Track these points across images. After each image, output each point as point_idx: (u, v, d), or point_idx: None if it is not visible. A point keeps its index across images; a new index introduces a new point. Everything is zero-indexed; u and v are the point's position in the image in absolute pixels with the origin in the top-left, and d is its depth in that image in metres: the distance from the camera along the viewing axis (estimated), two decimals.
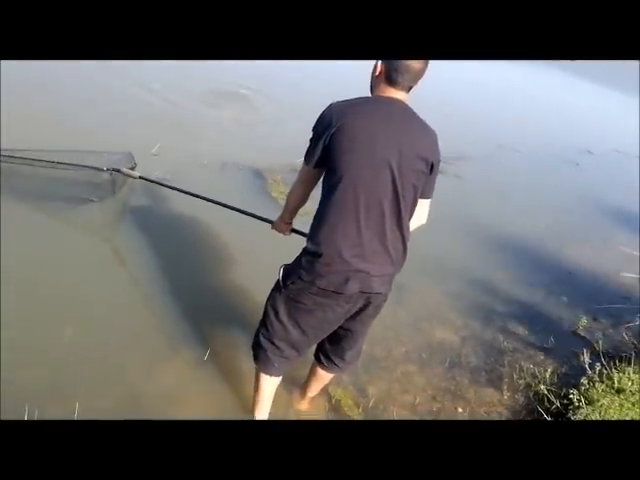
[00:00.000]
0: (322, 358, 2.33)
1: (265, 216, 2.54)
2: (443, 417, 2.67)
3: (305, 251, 1.95)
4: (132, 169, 3.64)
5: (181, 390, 2.50)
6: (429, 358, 3.08)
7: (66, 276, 3.00)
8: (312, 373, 2.46)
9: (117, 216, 3.73)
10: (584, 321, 3.63)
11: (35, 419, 2.11)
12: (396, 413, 2.62)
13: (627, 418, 2.61)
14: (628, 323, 3.71)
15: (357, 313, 2.05)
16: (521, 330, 3.53)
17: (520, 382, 3.01)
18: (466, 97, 9.89)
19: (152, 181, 3.48)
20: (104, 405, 2.31)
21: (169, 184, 3.37)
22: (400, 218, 1.94)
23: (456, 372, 3.02)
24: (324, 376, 2.42)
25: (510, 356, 3.22)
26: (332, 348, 2.27)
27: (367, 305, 2.02)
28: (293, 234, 2.35)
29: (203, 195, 2.95)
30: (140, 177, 3.51)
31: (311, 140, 1.93)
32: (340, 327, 2.12)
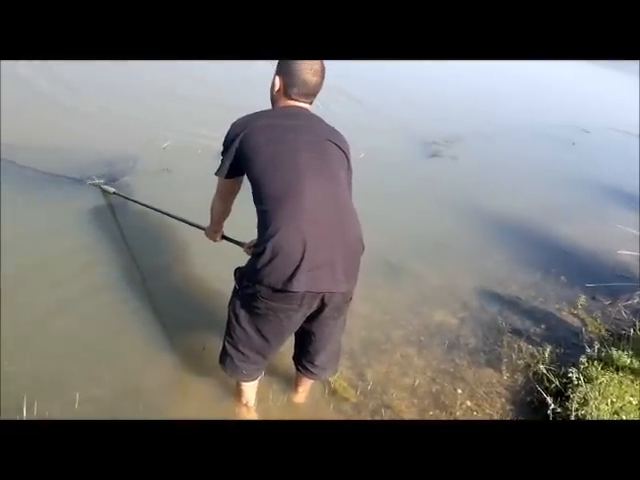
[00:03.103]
0: (295, 362, 2.28)
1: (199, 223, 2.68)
2: (443, 400, 2.67)
3: (253, 252, 1.92)
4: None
5: (179, 379, 2.50)
6: (428, 340, 3.07)
7: (61, 268, 2.98)
8: (296, 375, 2.40)
9: (114, 209, 3.70)
10: (582, 300, 3.62)
11: (34, 416, 2.11)
12: (395, 395, 2.62)
13: (626, 395, 2.61)
14: (627, 301, 3.70)
15: (315, 315, 1.96)
16: (520, 310, 3.52)
17: (519, 362, 3.01)
18: (460, 78, 9.84)
19: (125, 197, 3.59)
20: (102, 394, 2.30)
21: (141, 201, 3.42)
22: (339, 201, 1.90)
23: (455, 354, 3.01)
24: (303, 380, 2.36)
25: (509, 337, 3.21)
26: (300, 352, 2.22)
27: (323, 307, 1.91)
28: (224, 241, 2.51)
29: (160, 209, 3.14)
30: (114, 193, 3.66)
31: (222, 154, 2.01)
32: (302, 330, 2.06)
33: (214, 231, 2.44)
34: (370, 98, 7.35)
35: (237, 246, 2.42)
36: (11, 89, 5.20)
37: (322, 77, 1.99)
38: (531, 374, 2.91)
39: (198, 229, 2.67)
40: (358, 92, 7.33)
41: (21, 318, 2.62)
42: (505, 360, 3.01)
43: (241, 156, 1.94)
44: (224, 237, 2.50)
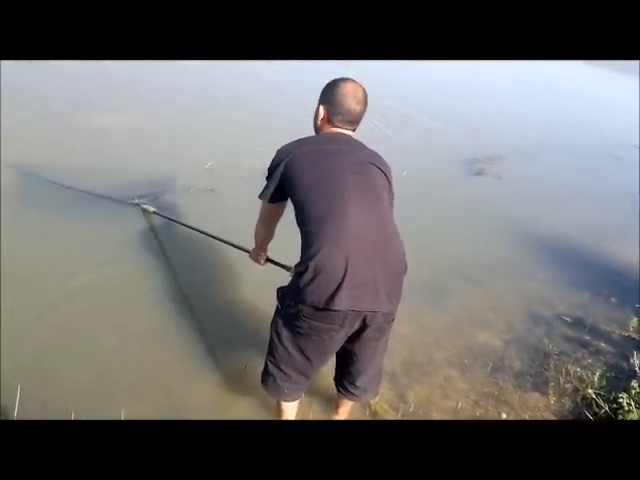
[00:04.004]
0: (336, 383, 2.27)
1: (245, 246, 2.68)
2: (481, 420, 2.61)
3: (296, 271, 1.92)
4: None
5: (221, 398, 2.53)
6: (471, 363, 3.02)
7: (106, 286, 3.08)
8: (336, 396, 2.37)
9: (156, 228, 3.79)
10: (634, 322, 3.50)
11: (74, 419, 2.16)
12: (437, 418, 2.57)
13: None
14: None
15: (357, 336, 1.95)
16: (567, 332, 3.42)
17: (567, 386, 2.91)
18: (503, 94, 9.74)
19: (164, 216, 3.66)
20: (147, 411, 2.35)
21: (179, 220, 3.52)
22: (382, 222, 1.91)
23: (499, 377, 2.94)
24: (343, 401, 2.34)
25: (556, 359, 3.12)
26: (341, 373, 2.21)
27: (365, 327, 1.90)
28: (269, 264, 2.53)
29: (203, 230, 3.19)
30: (155, 212, 3.74)
31: (266, 178, 2.05)
32: (344, 350, 2.05)
33: (258, 254, 2.47)
34: (409, 115, 7.36)
35: (281, 266, 2.46)
36: (54, 112, 5.43)
37: (365, 105, 2.04)
38: (579, 399, 2.82)
39: (243, 251, 2.69)
40: (396, 109, 7.34)
41: (70, 334, 2.72)
42: (552, 384, 2.92)
43: (285, 180, 1.97)
44: (269, 260, 2.52)
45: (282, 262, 2.48)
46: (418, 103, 8.05)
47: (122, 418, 2.22)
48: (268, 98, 7.00)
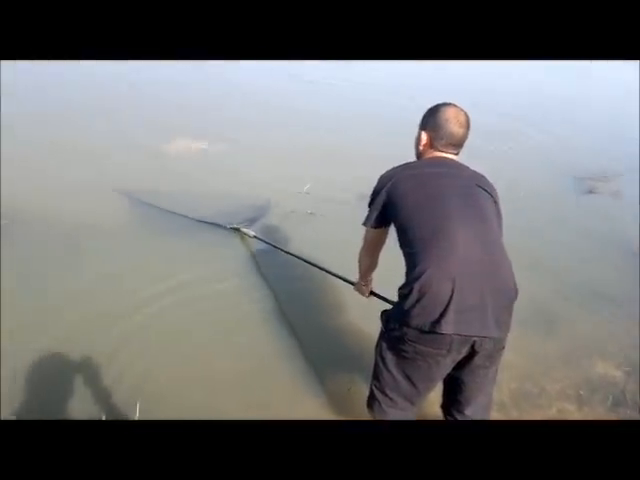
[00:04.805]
0: (444, 411, 2.19)
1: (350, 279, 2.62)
2: None
3: (400, 294, 1.89)
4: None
5: (324, 420, 2.52)
6: (589, 395, 2.81)
7: (209, 307, 3.18)
8: None
9: (256, 252, 3.85)
10: None
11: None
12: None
13: None
14: None
15: (465, 362, 1.88)
16: None
17: None
18: (582, 98, 9.12)
19: (264, 241, 3.68)
20: None
21: (279, 246, 3.56)
22: (491, 245, 1.85)
23: (621, 411, 2.71)
24: None
25: None
26: (449, 401, 2.13)
27: (474, 353, 1.83)
28: (373, 297, 2.46)
29: (303, 257, 3.18)
30: (254, 236, 3.77)
31: (369, 205, 2.06)
32: (451, 377, 1.98)
33: (363, 285, 2.44)
34: (508, 129, 7.07)
35: (385, 300, 2.36)
36: (142, 139, 5.69)
37: (468, 128, 2.02)
38: None
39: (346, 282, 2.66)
40: (496, 123, 7.08)
41: (184, 349, 2.86)
42: None
43: (388, 205, 1.97)
44: (373, 293, 2.47)
45: (386, 296, 2.38)
46: (505, 112, 7.73)
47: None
48: (359, 121, 6.98)
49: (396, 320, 1.88)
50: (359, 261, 2.33)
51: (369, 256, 2.26)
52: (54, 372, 2.65)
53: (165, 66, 8.07)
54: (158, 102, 7.09)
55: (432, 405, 2.33)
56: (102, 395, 2.52)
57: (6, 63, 6.23)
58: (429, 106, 2.08)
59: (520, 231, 2.92)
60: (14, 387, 2.51)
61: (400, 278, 1.89)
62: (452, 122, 1.98)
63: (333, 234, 4.02)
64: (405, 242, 1.90)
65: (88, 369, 2.65)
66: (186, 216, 4.09)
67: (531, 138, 6.92)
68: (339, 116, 7.06)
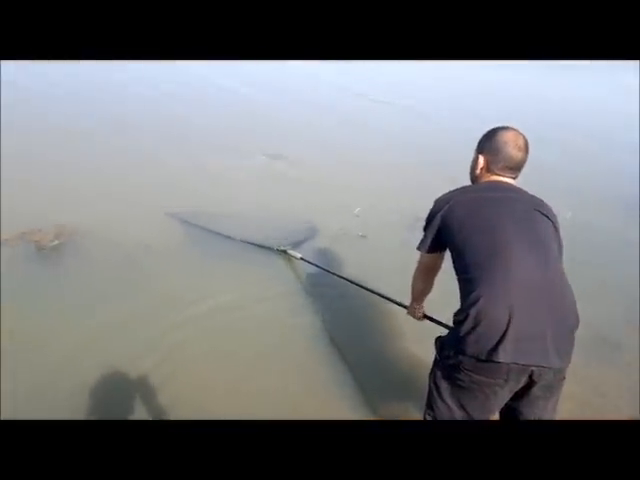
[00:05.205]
0: None
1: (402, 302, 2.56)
2: None
3: (454, 320, 1.83)
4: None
5: None
6: None
7: (261, 327, 3.19)
8: None
9: (302, 274, 3.83)
10: None
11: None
12: None
13: None
14: None
15: (523, 393, 1.79)
16: None
17: None
18: (614, 108, 9.04)
19: (311, 263, 3.64)
20: None
21: (328, 268, 3.49)
22: (551, 271, 1.76)
23: None
24: None
25: None
26: None
27: (532, 384, 1.73)
28: (426, 320, 2.39)
29: (353, 280, 3.10)
30: (301, 258, 3.73)
31: (424, 229, 2.01)
32: (509, 408, 1.87)
33: (415, 308, 2.37)
34: (564, 139, 6.98)
35: (439, 324, 2.32)
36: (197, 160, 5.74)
37: (527, 152, 1.97)
38: None
39: (399, 306, 2.60)
40: (548, 135, 6.98)
41: (229, 368, 2.86)
42: None
43: (444, 229, 1.91)
44: (426, 316, 2.40)
45: (440, 319, 2.33)
46: (558, 123, 7.62)
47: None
48: (417, 143, 6.97)
49: (451, 347, 1.80)
50: (412, 285, 2.27)
51: (423, 281, 2.20)
52: (115, 383, 2.69)
53: (218, 84, 8.23)
54: (208, 124, 7.11)
55: None
56: (146, 401, 2.59)
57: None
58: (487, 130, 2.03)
59: (577, 256, 2.73)
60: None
61: (455, 303, 1.83)
62: (511, 145, 1.93)
63: (384, 257, 3.97)
64: (461, 267, 1.84)
65: (140, 380, 2.70)
66: (235, 239, 4.12)
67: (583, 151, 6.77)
68: (396, 137, 7.07)
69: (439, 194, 1.99)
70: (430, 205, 1.99)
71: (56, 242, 3.68)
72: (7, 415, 2.34)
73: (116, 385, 2.66)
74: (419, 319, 2.40)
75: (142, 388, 2.64)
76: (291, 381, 2.78)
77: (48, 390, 2.57)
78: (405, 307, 2.46)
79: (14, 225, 3.90)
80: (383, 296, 2.78)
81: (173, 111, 7.63)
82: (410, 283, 2.26)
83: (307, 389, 2.74)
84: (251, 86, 9.58)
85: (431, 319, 2.37)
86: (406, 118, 8.11)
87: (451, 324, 1.87)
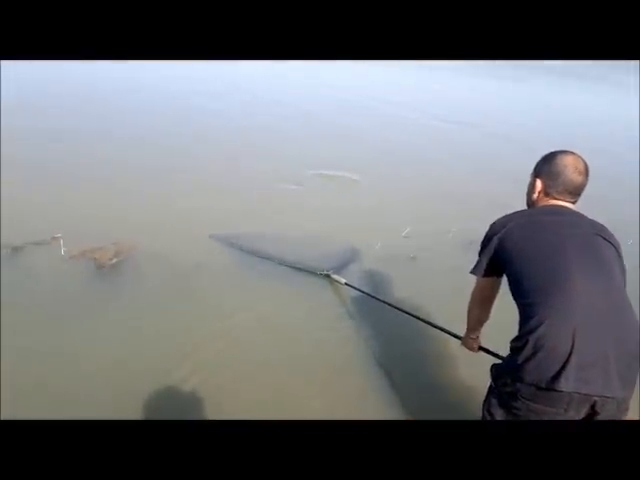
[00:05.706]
0: None
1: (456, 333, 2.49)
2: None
3: (512, 347, 1.77)
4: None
5: None
6: None
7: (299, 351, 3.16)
8: None
9: (347, 299, 3.74)
10: None
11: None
12: None
13: None
14: None
15: None
16: None
17: None
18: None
19: (356, 288, 3.56)
20: None
21: (374, 294, 3.42)
22: (614, 297, 1.70)
23: None
24: None
25: None
26: None
27: (594, 414, 1.65)
28: (482, 352, 2.30)
29: (401, 307, 3.05)
30: (346, 284, 3.64)
31: (479, 253, 1.97)
32: None
33: (471, 338, 2.28)
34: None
35: (495, 356, 2.20)
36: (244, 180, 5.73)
37: (587, 176, 1.92)
38: None
39: (453, 337, 2.51)
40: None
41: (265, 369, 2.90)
42: None
43: (500, 253, 1.88)
44: (482, 348, 2.30)
45: (497, 351, 2.22)
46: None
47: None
48: (471, 164, 6.93)
49: (508, 375, 1.74)
50: (468, 312, 2.19)
51: (478, 307, 2.14)
52: (153, 387, 2.71)
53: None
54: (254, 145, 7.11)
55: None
56: (183, 404, 2.65)
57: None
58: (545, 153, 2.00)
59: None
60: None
61: (510, 332, 1.78)
62: (570, 169, 1.89)
63: (435, 281, 3.86)
64: (519, 292, 1.79)
65: (176, 389, 2.73)
66: (278, 262, 4.06)
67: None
68: (451, 158, 7.01)
69: (494, 218, 1.95)
70: (485, 228, 1.96)
71: (115, 260, 3.87)
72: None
73: (154, 388, 2.70)
74: (475, 351, 2.31)
75: (175, 393, 2.69)
76: (338, 412, 2.68)
77: (97, 393, 2.64)
78: (459, 338, 2.38)
79: (79, 240, 4.02)
80: (435, 326, 2.71)
81: (226, 126, 7.70)
82: (465, 310, 2.19)
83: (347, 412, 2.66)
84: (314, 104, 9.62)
85: (488, 351, 2.27)
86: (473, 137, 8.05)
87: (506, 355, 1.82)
